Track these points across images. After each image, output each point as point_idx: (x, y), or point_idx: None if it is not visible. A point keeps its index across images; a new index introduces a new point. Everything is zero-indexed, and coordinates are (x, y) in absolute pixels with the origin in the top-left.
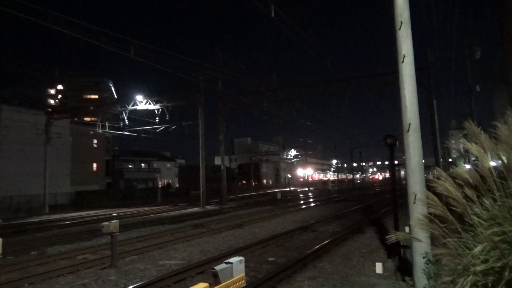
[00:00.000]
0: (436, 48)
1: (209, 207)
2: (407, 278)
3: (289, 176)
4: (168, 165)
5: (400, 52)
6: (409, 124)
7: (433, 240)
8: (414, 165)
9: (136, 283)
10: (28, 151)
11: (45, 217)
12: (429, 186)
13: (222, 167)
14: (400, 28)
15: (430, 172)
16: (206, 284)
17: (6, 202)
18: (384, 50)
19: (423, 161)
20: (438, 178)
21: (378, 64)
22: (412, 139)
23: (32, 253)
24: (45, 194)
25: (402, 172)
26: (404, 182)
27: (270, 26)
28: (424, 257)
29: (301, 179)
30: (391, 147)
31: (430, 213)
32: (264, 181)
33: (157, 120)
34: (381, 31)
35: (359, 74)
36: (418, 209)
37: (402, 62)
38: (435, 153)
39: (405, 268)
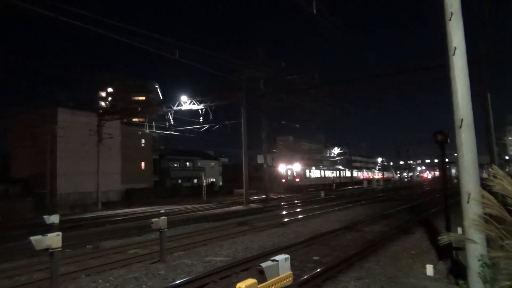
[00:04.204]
0: (490, 38)
1: (252, 205)
2: (460, 282)
3: (334, 174)
4: (212, 163)
5: (451, 44)
6: (462, 119)
7: (489, 242)
8: (467, 162)
9: (183, 278)
10: (82, 151)
11: (99, 213)
12: (484, 185)
13: (265, 165)
14: (450, 20)
15: (484, 171)
16: (254, 280)
17: (64, 199)
18: (432, 42)
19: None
20: (494, 177)
21: (426, 57)
22: (465, 136)
23: (87, 246)
24: (98, 192)
25: (453, 171)
26: (455, 180)
27: (311, 22)
28: (479, 260)
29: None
30: (442, 144)
31: (485, 213)
32: None
33: (201, 120)
34: (429, 22)
35: (405, 69)
36: (472, 209)
37: (453, 54)
38: (490, 150)
39: (458, 271)
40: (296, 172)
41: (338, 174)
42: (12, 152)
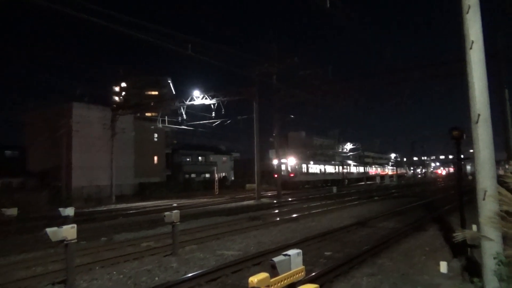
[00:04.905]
0: (508, 31)
1: (264, 200)
2: (475, 280)
3: (346, 170)
4: (223, 158)
5: (468, 38)
6: (478, 115)
7: (505, 240)
8: (484, 158)
9: (196, 271)
10: (97, 144)
11: (112, 207)
12: (500, 182)
13: (277, 161)
14: (467, 12)
15: (500, 167)
16: (266, 274)
17: (78, 192)
18: (449, 36)
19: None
20: (511, 173)
21: (442, 52)
22: (482, 131)
23: (101, 239)
24: (112, 185)
25: (468, 167)
26: (470, 177)
27: (325, 16)
28: (495, 258)
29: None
30: (457, 140)
31: (502, 211)
32: None
33: (213, 115)
34: (446, 16)
35: (421, 64)
36: (488, 206)
37: (471, 48)
38: (507, 146)
39: (472, 269)
40: (290, 166)
41: (348, 170)
42: (29, 146)
